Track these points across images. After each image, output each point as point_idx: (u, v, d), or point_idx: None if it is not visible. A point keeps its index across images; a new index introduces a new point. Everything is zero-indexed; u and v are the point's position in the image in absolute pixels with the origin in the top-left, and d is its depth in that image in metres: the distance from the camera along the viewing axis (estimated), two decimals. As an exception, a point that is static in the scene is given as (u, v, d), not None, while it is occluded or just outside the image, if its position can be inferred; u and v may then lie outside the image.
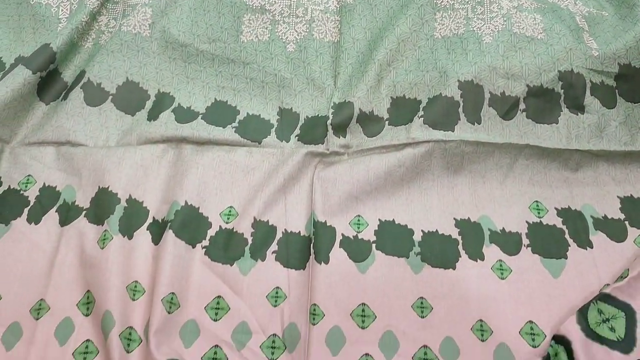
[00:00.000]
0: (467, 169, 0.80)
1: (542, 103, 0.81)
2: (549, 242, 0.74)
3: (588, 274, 0.72)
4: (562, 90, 0.81)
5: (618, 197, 0.78)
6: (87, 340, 0.69)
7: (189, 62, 0.92)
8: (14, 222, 0.79)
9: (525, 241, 0.75)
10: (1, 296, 0.72)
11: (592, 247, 0.74)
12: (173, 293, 0.71)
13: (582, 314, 0.67)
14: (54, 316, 0.71)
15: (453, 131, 0.80)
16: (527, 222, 0.76)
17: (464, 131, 0.80)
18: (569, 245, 0.74)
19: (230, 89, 0.90)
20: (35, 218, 0.79)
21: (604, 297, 0.67)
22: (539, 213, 0.77)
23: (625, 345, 0.65)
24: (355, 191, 0.78)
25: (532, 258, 0.73)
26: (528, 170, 0.80)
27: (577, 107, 0.81)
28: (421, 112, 0.82)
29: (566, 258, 0.73)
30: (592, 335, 0.65)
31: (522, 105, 0.81)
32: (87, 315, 0.71)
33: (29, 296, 0.72)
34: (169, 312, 0.69)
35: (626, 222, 0.76)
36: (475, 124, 0.81)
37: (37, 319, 0.71)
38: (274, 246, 0.76)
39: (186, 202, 0.78)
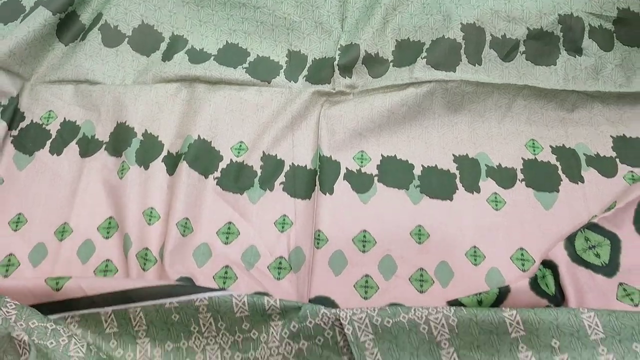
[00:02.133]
0: (467, 108, 0.84)
1: (541, 45, 0.84)
2: (542, 177, 0.78)
3: (578, 206, 0.76)
4: (561, 34, 0.84)
5: (611, 136, 0.81)
6: (107, 260, 0.74)
7: (201, 5, 0.95)
8: (37, 153, 0.84)
9: (520, 176, 0.79)
10: (27, 220, 0.78)
11: (583, 182, 0.78)
12: (187, 218, 0.76)
13: (570, 240, 0.71)
14: (77, 238, 0.76)
15: (454, 72, 0.83)
16: (522, 158, 0.80)
17: (465, 72, 0.84)
18: (561, 180, 0.78)
19: (241, 32, 0.93)
20: (57, 150, 0.84)
21: (591, 226, 0.72)
22: (534, 150, 0.81)
23: (608, 269, 0.70)
24: (360, 128, 0.82)
25: (526, 191, 0.77)
26: (526, 110, 0.84)
27: (575, 49, 0.84)
28: (424, 54, 0.85)
29: (558, 192, 0.77)
30: (577, 260, 0.70)
31: (521, 48, 0.85)
32: (107, 238, 0.76)
33: (53, 220, 0.78)
34: (183, 235, 0.74)
35: (617, 160, 0.79)
36: (476, 65, 0.84)
37: (61, 241, 0.76)
38: (281, 178, 0.80)
39: (199, 137, 0.82)
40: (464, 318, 0.61)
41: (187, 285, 0.67)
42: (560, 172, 0.79)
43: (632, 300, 0.68)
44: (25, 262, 0.74)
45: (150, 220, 0.76)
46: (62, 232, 0.77)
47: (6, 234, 0.76)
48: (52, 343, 0.62)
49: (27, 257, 0.75)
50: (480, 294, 0.66)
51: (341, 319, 0.61)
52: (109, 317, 0.66)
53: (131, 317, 0.65)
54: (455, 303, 0.66)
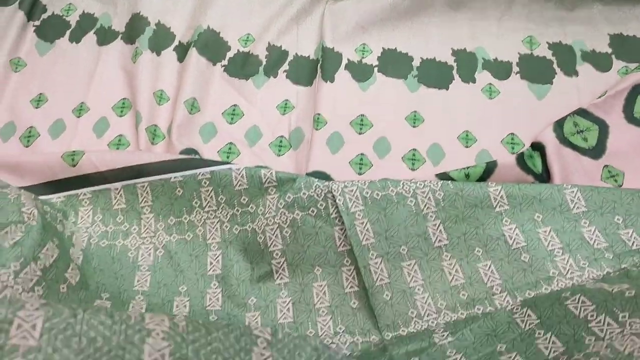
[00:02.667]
0: (468, 5, 0.86)
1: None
2: (537, 70, 0.80)
3: (570, 97, 0.78)
4: None
5: (608, 34, 0.83)
6: (120, 135, 0.80)
7: None
8: (57, 41, 0.89)
9: (515, 69, 0.81)
10: (47, 98, 0.83)
11: (577, 76, 0.80)
12: (194, 98, 0.80)
13: (559, 124, 0.73)
14: (93, 116, 0.81)
15: (457, -32, 0.86)
16: (518, 53, 0.82)
17: (466, -32, 0.86)
18: (556, 73, 0.80)
19: None
20: (76, 38, 0.89)
21: (581, 112, 0.74)
22: (531, 46, 0.83)
23: (595, 152, 0.72)
24: (362, 22, 0.85)
25: (520, 83, 0.80)
26: (525, 9, 0.85)
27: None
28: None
29: (552, 84, 0.79)
30: (565, 142, 0.72)
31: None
32: (120, 116, 0.81)
33: (72, 99, 0.83)
34: (190, 113, 0.79)
35: (612, 56, 0.81)
36: (478, -39, 0.86)
37: (79, 117, 0.81)
38: (285, 66, 0.84)
39: (209, 27, 0.86)
40: (450, 192, 0.64)
41: (192, 159, 0.71)
42: (555, 66, 0.81)
43: (616, 181, 0.71)
44: (45, 134, 0.80)
45: (160, 101, 0.80)
46: (80, 110, 0.82)
47: (28, 111, 0.82)
48: (60, 217, 0.67)
49: (46, 131, 0.80)
50: (468, 167, 0.69)
51: (333, 191, 0.65)
52: (118, 193, 0.70)
53: (138, 193, 0.70)
54: (443, 176, 0.70)
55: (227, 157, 0.77)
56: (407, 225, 0.63)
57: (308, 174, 0.74)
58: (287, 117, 0.80)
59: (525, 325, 0.54)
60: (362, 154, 0.76)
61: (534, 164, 0.71)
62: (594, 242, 0.61)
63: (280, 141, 0.78)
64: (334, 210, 0.64)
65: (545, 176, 0.71)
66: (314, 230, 0.64)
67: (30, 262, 0.55)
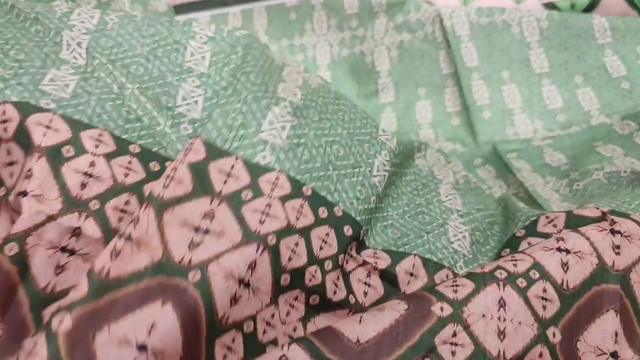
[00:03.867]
0: None
1: None
2: None
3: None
4: None
5: None
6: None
7: None
8: None
9: None
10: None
11: None
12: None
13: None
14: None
15: None
16: None
17: None
18: None
19: None
20: None
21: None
22: None
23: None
24: None
25: None
26: None
27: None
28: None
29: None
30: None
31: None
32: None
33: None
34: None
35: None
36: None
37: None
38: None
39: None
40: (555, 22, 0.67)
41: None
42: None
43: None
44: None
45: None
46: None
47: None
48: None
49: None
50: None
51: (441, 15, 0.68)
52: (235, 17, 0.74)
53: (254, 17, 0.74)
54: (550, 6, 0.71)
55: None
56: (510, 51, 0.66)
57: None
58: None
59: (624, 130, 0.58)
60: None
61: (641, 3, 0.72)
62: None
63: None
64: (440, 34, 0.68)
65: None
66: (419, 52, 0.68)
67: None
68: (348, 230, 0.35)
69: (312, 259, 0.32)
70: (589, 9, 0.70)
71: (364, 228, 0.36)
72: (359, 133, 0.40)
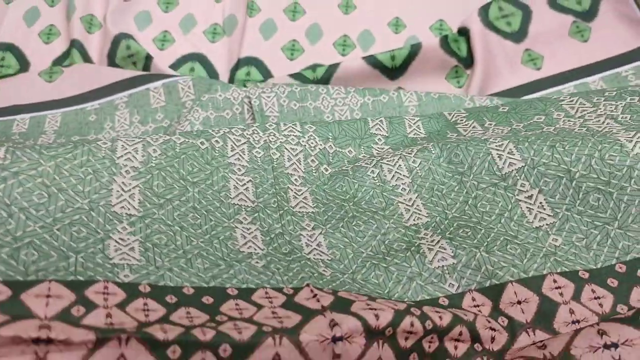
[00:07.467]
0: None
1: None
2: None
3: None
4: None
5: None
6: (51, 25, 0.79)
7: None
8: None
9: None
10: (-25, -14, 0.81)
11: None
12: (128, -13, 0.80)
13: (484, 9, 0.75)
14: (23, 4, 0.80)
15: None
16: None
17: None
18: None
19: None
20: None
21: (506, -3, 0.76)
22: None
23: (517, 36, 0.75)
24: None
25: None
26: None
27: None
28: None
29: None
30: (489, 25, 0.74)
31: None
32: (52, 6, 0.80)
33: (1, -12, 0.81)
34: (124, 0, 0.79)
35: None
36: None
37: (8, 4, 0.80)
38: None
39: None
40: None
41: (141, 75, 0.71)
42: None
43: (535, 64, 0.74)
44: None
45: (93, -11, 0.79)
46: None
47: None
48: None
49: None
50: (394, 50, 0.72)
51: (250, 96, 0.64)
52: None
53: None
54: (371, 59, 0.72)
55: (162, 45, 0.77)
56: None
57: (241, 60, 0.76)
58: (221, 5, 0.80)
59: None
60: (294, 40, 0.78)
61: (459, 48, 0.74)
62: None
63: (214, 29, 0.79)
64: (249, 117, 0.65)
65: (469, 60, 0.75)
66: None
67: None
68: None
69: None
70: (408, 59, 0.72)
71: None
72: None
